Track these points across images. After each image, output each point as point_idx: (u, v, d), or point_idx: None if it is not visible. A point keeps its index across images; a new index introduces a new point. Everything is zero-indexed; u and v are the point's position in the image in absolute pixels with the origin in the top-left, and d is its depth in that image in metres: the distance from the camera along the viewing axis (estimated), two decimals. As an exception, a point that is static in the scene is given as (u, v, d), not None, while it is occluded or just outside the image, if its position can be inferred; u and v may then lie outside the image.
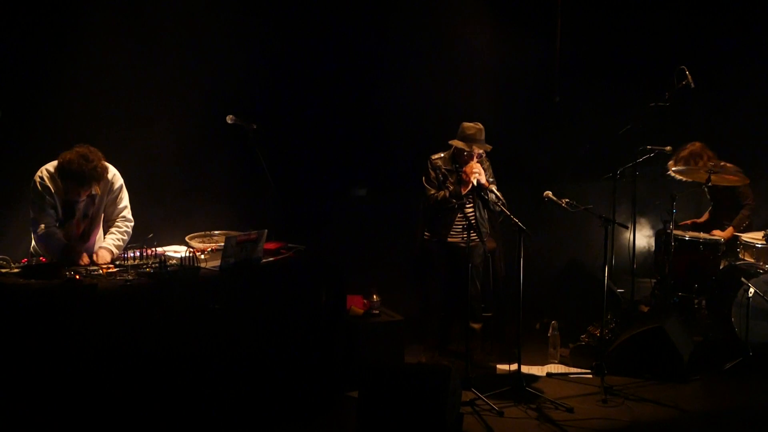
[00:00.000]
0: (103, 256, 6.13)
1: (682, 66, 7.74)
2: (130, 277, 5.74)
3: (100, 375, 5.40)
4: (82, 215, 6.27)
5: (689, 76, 7.68)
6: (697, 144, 8.29)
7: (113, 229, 6.36)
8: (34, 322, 5.24)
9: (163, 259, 5.98)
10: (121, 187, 6.36)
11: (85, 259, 6.06)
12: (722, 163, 8.18)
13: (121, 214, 6.40)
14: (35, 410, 5.23)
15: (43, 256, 6.04)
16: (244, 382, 6.02)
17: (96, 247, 6.32)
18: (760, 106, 9.53)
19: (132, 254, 6.06)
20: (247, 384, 6.05)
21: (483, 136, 7.26)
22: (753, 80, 9.53)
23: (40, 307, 5.28)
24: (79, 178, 5.93)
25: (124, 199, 6.41)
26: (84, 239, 6.31)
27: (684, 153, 8.27)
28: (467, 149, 7.20)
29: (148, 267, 5.95)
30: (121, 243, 6.31)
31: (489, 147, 7.25)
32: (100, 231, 6.43)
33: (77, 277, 5.60)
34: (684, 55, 8.43)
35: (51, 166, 6.09)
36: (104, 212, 6.38)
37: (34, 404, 5.23)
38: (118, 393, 5.47)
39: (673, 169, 8.12)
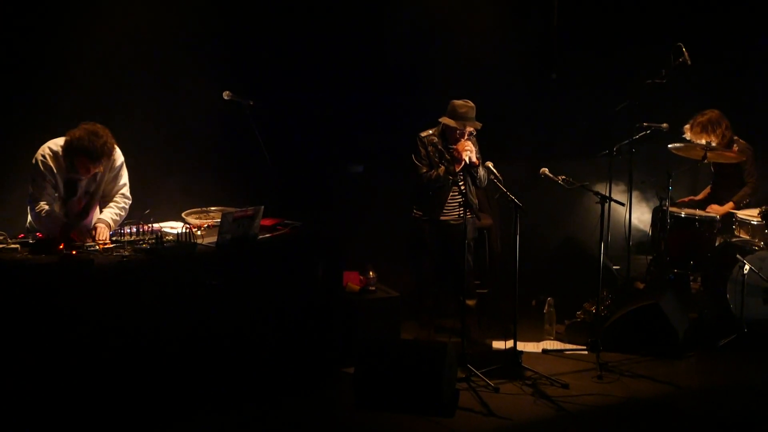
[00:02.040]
0: (102, 231, 6.10)
1: (679, 43, 7.72)
2: (126, 253, 5.74)
3: (97, 350, 5.42)
4: (84, 192, 6.27)
5: (686, 53, 7.66)
6: (716, 111, 8.24)
7: (111, 204, 6.35)
8: (31, 297, 5.24)
9: (160, 236, 5.99)
10: (121, 165, 6.37)
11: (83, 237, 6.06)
12: (735, 137, 8.22)
13: (120, 191, 6.40)
14: (31, 385, 5.25)
15: (40, 232, 6.05)
16: (240, 358, 6.04)
17: (94, 221, 6.32)
18: (759, 82, 9.52)
19: (129, 230, 6.06)
20: (244, 360, 6.06)
21: (474, 114, 7.20)
22: (752, 56, 9.51)
23: (37, 282, 5.29)
24: (91, 155, 5.93)
25: (124, 177, 6.42)
26: (83, 216, 6.32)
27: (702, 119, 8.21)
28: (460, 128, 7.14)
29: (144, 243, 5.95)
30: (118, 218, 6.30)
31: (479, 125, 7.19)
32: (97, 208, 6.42)
33: (74, 252, 5.60)
34: (682, 30, 8.43)
35: (53, 144, 6.09)
36: (104, 189, 6.38)
37: (30, 380, 5.25)
38: (114, 368, 5.49)
39: (669, 145, 8.11)
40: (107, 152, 6.01)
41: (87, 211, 6.34)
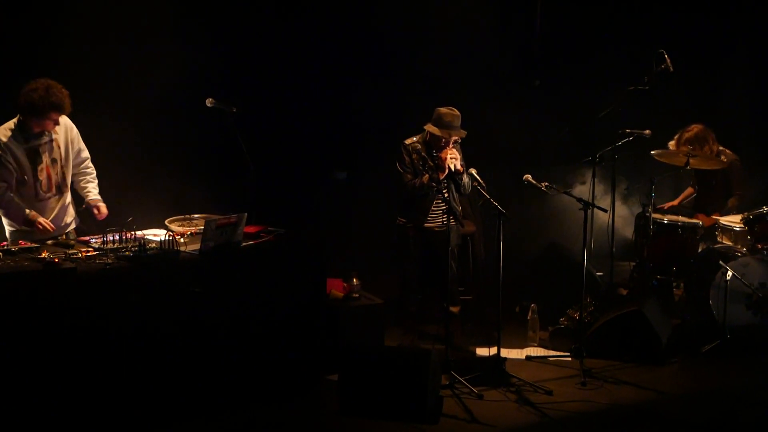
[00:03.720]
0: (103, 208, 6.49)
1: (661, 50, 7.74)
2: (109, 261, 5.70)
3: (79, 359, 5.39)
4: (51, 161, 6.29)
5: (668, 60, 7.67)
6: (700, 126, 8.24)
7: (89, 178, 6.56)
8: (13, 305, 5.21)
9: (143, 243, 5.96)
10: (78, 134, 6.48)
11: (47, 226, 6.18)
12: (721, 148, 8.24)
13: (84, 163, 6.56)
14: (14, 394, 5.22)
15: (22, 240, 6.03)
16: (223, 366, 6.02)
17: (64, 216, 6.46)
18: (740, 89, 9.56)
19: (111, 238, 6.04)
20: (227, 367, 6.04)
21: (459, 123, 7.19)
22: (734, 63, 9.56)
23: (19, 290, 5.25)
24: (59, 107, 6.05)
25: (85, 147, 6.56)
26: (60, 191, 6.37)
27: (689, 134, 8.21)
28: (445, 137, 7.12)
29: (127, 251, 5.91)
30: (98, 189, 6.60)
31: (464, 133, 7.19)
32: (69, 194, 6.50)
33: (56, 260, 5.57)
34: (665, 38, 8.45)
35: (11, 123, 6.14)
36: (71, 163, 6.46)
37: (12, 387, 5.22)
38: (97, 377, 5.46)
39: (652, 152, 8.11)
40: (68, 96, 6.11)
41: (61, 188, 6.39)
